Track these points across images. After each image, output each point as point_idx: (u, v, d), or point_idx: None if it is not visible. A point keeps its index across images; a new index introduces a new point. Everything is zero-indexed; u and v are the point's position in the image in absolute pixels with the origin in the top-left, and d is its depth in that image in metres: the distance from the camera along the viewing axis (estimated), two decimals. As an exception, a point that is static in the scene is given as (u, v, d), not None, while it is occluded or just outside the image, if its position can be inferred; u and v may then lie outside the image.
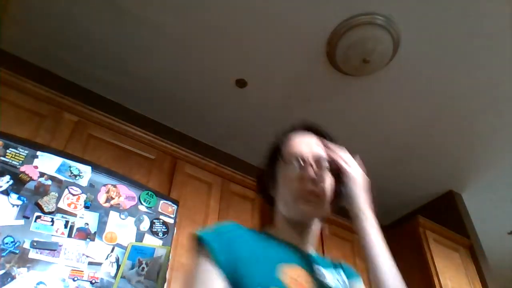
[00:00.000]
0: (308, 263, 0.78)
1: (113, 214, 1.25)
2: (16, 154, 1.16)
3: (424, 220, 2.51)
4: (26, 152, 1.19)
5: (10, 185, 1.10)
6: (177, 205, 1.52)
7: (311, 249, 0.86)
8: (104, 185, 1.30)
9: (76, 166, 1.27)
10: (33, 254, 1.03)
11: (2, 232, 1.01)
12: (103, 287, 1.09)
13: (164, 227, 1.40)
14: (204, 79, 2.20)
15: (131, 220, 1.29)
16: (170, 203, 1.48)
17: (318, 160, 0.84)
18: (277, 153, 0.91)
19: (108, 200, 1.27)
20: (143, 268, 1.22)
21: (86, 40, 2.01)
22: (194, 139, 2.52)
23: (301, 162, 0.84)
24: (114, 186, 1.32)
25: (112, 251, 1.17)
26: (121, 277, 1.12)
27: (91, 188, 1.26)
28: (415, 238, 2.46)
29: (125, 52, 2.07)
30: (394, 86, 2.18)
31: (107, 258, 1.15)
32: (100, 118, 1.78)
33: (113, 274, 1.13)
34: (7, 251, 0.99)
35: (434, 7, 1.81)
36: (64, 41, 2.01)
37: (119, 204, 1.29)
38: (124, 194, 1.33)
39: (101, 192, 1.28)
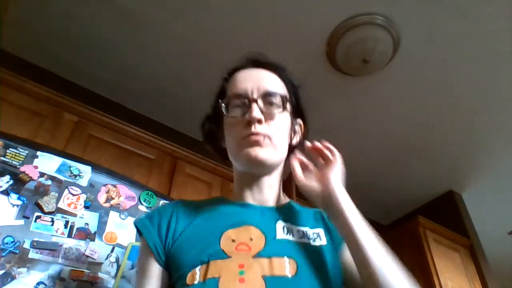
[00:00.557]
0: (268, 221, 0.69)
1: (113, 214, 1.25)
2: (16, 154, 1.16)
3: (424, 220, 2.50)
4: (26, 152, 1.19)
5: (10, 185, 1.10)
6: (177, 205, 1.52)
7: (281, 202, 0.76)
8: (104, 185, 1.30)
9: (76, 166, 1.27)
10: (33, 254, 1.03)
11: (2, 232, 1.01)
12: (103, 287, 1.09)
13: (164, 227, 1.39)
14: (204, 79, 2.19)
15: (131, 220, 1.29)
16: (170, 203, 1.48)
17: (265, 97, 0.72)
18: (221, 96, 0.78)
19: (108, 200, 1.27)
20: (143, 268, 1.22)
21: (86, 40, 2.01)
22: (194, 139, 2.52)
23: (245, 101, 0.71)
24: (114, 186, 1.32)
25: (112, 251, 1.17)
26: (121, 277, 1.12)
27: (91, 188, 1.26)
28: (415, 238, 2.46)
29: (125, 52, 2.07)
30: (394, 86, 2.18)
31: (107, 258, 1.15)
32: (100, 118, 1.78)
33: (113, 274, 1.13)
34: (7, 251, 0.99)
35: (434, 7, 1.81)
36: (64, 41, 2.01)
37: (119, 204, 1.29)
38: (124, 194, 1.33)
39: (101, 192, 1.27)
